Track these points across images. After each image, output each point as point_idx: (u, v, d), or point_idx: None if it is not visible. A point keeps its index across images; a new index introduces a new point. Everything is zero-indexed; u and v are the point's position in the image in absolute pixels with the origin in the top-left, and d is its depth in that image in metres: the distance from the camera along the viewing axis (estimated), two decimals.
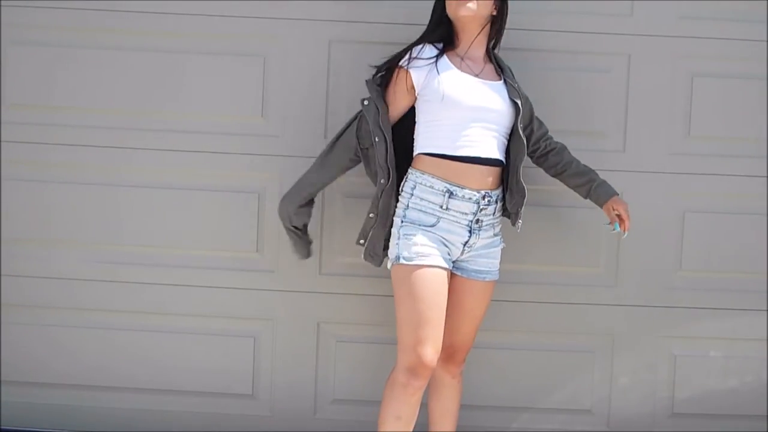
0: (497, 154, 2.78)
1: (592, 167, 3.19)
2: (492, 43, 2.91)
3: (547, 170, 3.06)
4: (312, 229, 3.28)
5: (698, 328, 3.34)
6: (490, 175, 2.77)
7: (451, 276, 2.81)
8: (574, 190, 3.03)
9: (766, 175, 3.29)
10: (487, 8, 2.80)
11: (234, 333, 3.35)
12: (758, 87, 3.27)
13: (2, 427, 3.32)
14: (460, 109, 2.73)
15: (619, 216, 2.91)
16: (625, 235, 2.94)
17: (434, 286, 2.67)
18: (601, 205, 2.97)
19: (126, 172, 3.29)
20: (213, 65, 3.27)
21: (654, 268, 3.31)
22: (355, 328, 3.32)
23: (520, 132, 2.81)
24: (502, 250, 2.93)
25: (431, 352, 2.66)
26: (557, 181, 3.19)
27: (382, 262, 2.90)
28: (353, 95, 3.07)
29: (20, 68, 3.28)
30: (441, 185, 2.73)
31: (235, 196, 3.30)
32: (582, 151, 3.18)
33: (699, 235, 3.31)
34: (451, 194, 2.72)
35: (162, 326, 3.34)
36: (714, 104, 3.28)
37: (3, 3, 3.25)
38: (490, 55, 2.90)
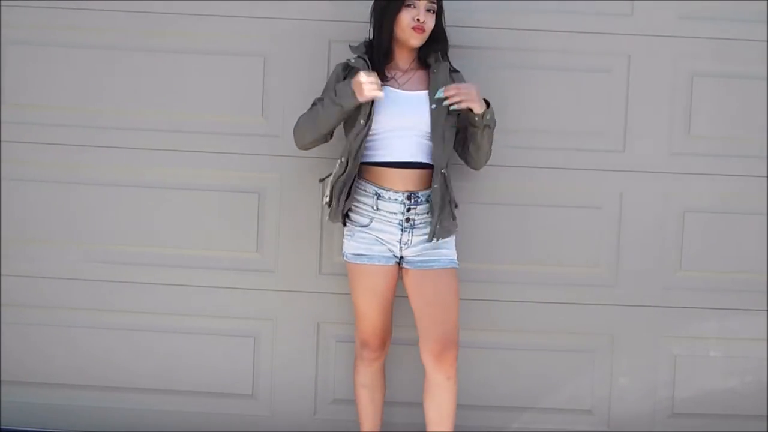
0: (420, 157, 2.90)
1: (592, 167, 3.18)
2: (437, 50, 2.96)
3: (464, 153, 3.04)
4: (312, 229, 3.29)
5: (698, 328, 3.34)
6: (414, 177, 2.90)
7: (404, 271, 2.94)
8: (471, 141, 2.97)
9: (766, 175, 3.28)
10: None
11: (234, 333, 3.35)
12: (758, 87, 3.27)
13: (2, 427, 3.31)
14: (382, 120, 2.87)
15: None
16: (445, 102, 2.82)
17: (364, 282, 2.94)
18: (471, 122, 2.90)
19: (126, 172, 3.29)
20: (213, 65, 3.27)
21: (654, 268, 3.31)
22: (354, 328, 3.32)
23: (438, 134, 2.88)
24: (456, 240, 2.95)
25: (365, 333, 3.01)
26: (557, 181, 3.18)
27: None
28: None
29: (20, 68, 3.28)
30: (371, 189, 2.90)
31: (235, 196, 3.30)
32: (582, 151, 3.18)
33: (699, 235, 3.31)
34: (378, 196, 2.89)
35: (162, 326, 3.34)
36: (714, 104, 3.28)
37: (3, 3, 3.25)
38: (423, 62, 2.98)
